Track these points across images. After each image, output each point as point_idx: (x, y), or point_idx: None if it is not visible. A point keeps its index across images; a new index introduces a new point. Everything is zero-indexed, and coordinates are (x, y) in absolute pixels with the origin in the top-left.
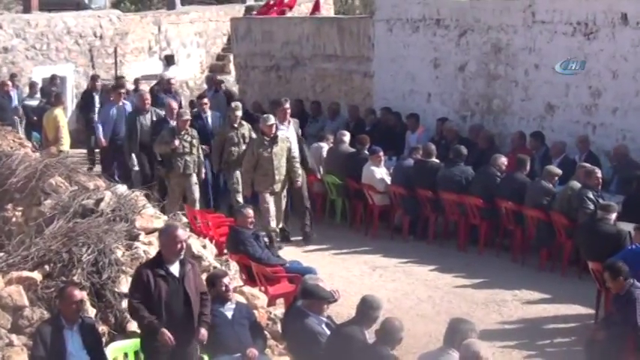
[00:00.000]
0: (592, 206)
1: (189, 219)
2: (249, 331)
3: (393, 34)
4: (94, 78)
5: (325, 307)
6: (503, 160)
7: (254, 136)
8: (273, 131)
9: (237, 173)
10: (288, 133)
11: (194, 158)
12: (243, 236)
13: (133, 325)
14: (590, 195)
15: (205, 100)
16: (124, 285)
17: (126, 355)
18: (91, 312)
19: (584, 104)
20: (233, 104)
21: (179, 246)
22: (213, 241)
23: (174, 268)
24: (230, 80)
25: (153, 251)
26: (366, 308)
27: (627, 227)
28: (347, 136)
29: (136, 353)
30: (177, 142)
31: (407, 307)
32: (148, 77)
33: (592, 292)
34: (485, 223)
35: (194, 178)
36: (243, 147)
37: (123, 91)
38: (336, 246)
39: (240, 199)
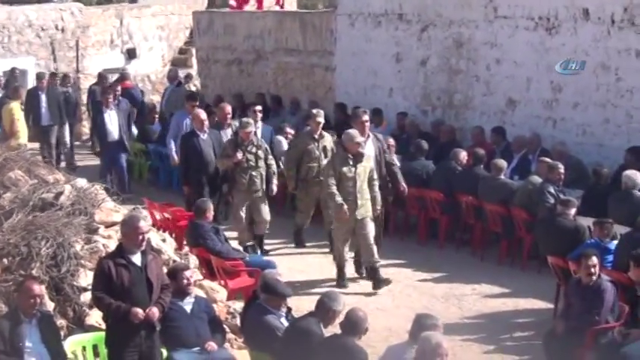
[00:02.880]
0: (552, 200)
1: (149, 212)
2: (209, 325)
3: (355, 28)
4: (52, 75)
5: (284, 302)
6: (464, 155)
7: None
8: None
9: (313, 194)
10: (366, 150)
11: (260, 172)
12: (203, 230)
13: (91, 319)
14: (551, 189)
15: (259, 108)
16: (83, 279)
17: (84, 348)
18: (50, 306)
19: (545, 99)
20: (314, 110)
21: (140, 237)
22: (173, 235)
23: (136, 258)
24: (192, 74)
25: (112, 245)
26: (324, 301)
27: (586, 222)
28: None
29: (94, 347)
30: (240, 155)
31: (367, 300)
32: (110, 71)
33: (551, 287)
34: (445, 218)
35: (262, 197)
36: (324, 162)
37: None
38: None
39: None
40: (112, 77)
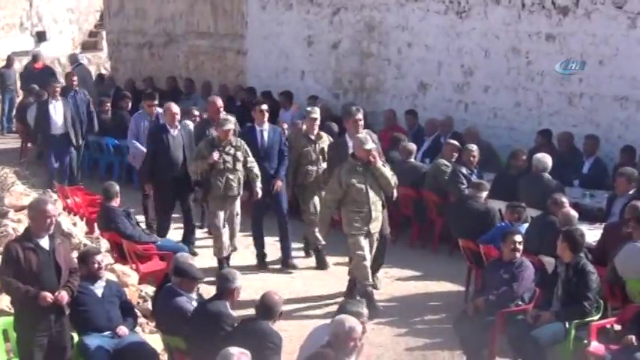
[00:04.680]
0: (466, 182)
1: (60, 197)
2: (120, 309)
3: (267, 11)
4: None
5: (196, 285)
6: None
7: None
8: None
9: (316, 200)
10: None
11: (238, 176)
12: (114, 214)
13: (1, 303)
14: (464, 170)
15: (265, 107)
16: None
17: None
18: None
19: (457, 83)
20: (309, 108)
21: (48, 221)
22: (84, 219)
23: (44, 242)
24: (102, 57)
25: (22, 229)
26: (223, 282)
27: (497, 205)
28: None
29: (4, 332)
30: (216, 156)
31: (277, 285)
32: (19, 54)
33: (462, 270)
34: None
35: (237, 204)
36: (323, 165)
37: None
38: None
39: (320, 235)
40: (22, 61)
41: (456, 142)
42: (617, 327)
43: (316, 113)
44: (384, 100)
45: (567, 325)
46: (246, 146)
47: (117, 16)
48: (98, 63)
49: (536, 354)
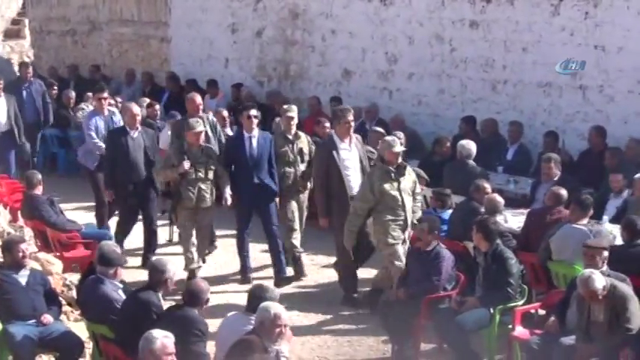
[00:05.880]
0: None
1: None
2: (44, 298)
3: None
4: None
5: (120, 272)
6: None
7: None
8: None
9: (294, 205)
10: (351, 154)
11: (211, 186)
12: (38, 202)
13: None
14: None
15: (254, 113)
16: None
17: None
18: None
19: (381, 70)
20: (285, 106)
21: None
22: (7, 208)
23: None
24: (25, 45)
25: None
26: (154, 273)
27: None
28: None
29: None
30: (187, 165)
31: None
32: None
33: None
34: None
35: (210, 214)
36: (301, 167)
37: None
38: None
39: (298, 242)
40: None
41: (381, 130)
42: (542, 312)
43: (293, 111)
44: (309, 87)
45: (492, 311)
46: (217, 153)
47: (39, 3)
48: (21, 51)
49: (461, 339)
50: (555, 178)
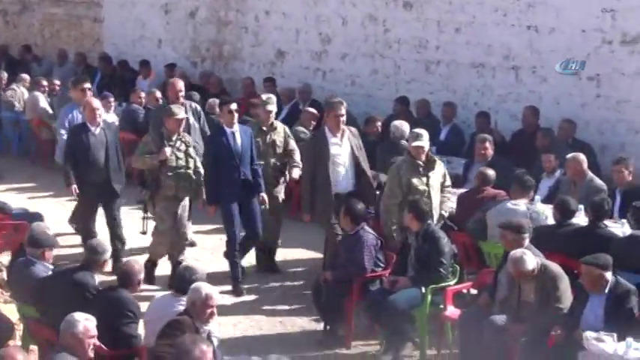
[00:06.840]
0: None
1: None
2: None
3: None
4: None
5: (50, 254)
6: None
7: (292, 144)
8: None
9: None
10: (342, 149)
11: (191, 175)
12: None
13: None
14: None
15: (234, 107)
16: None
17: None
18: None
19: (314, 50)
20: (264, 97)
21: None
22: None
23: None
24: None
25: None
26: (92, 254)
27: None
28: None
29: None
30: (168, 152)
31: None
32: None
33: (320, 237)
34: None
35: (186, 205)
36: (273, 160)
37: None
38: None
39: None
40: None
41: (314, 110)
42: (474, 291)
43: (272, 105)
44: (242, 67)
45: (424, 290)
46: (199, 144)
47: None
48: None
49: (393, 319)
50: (489, 159)
